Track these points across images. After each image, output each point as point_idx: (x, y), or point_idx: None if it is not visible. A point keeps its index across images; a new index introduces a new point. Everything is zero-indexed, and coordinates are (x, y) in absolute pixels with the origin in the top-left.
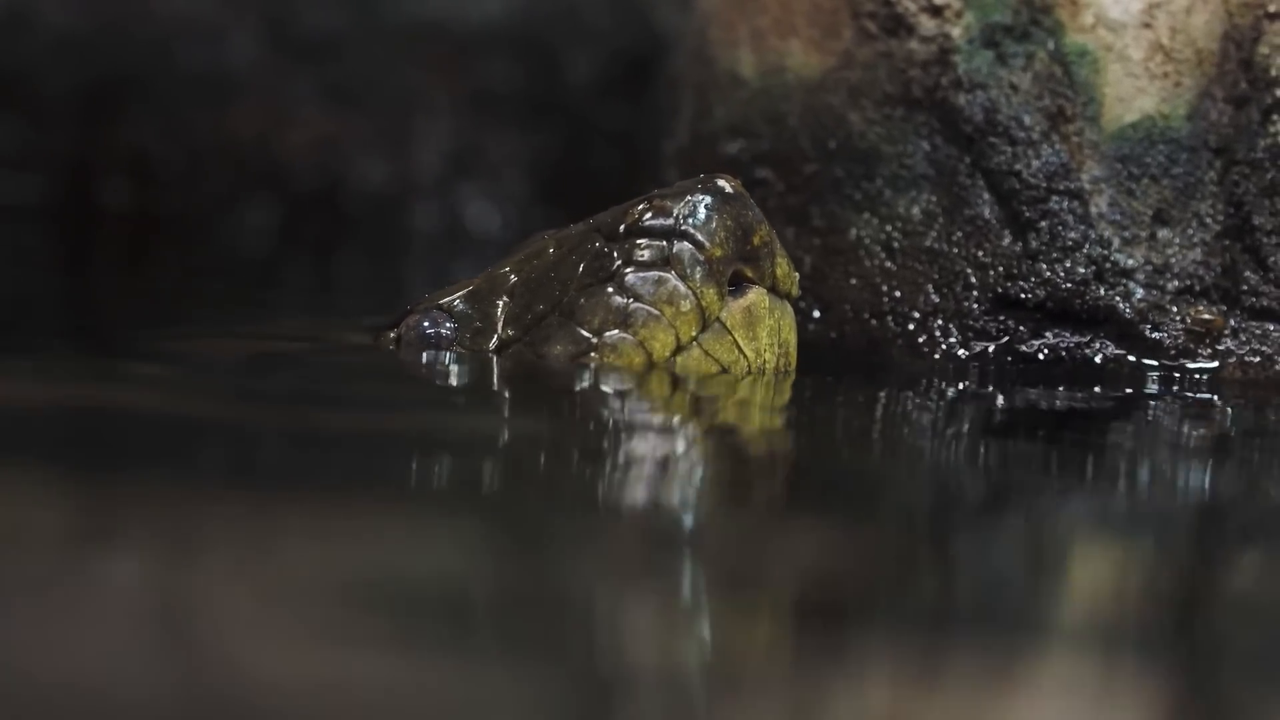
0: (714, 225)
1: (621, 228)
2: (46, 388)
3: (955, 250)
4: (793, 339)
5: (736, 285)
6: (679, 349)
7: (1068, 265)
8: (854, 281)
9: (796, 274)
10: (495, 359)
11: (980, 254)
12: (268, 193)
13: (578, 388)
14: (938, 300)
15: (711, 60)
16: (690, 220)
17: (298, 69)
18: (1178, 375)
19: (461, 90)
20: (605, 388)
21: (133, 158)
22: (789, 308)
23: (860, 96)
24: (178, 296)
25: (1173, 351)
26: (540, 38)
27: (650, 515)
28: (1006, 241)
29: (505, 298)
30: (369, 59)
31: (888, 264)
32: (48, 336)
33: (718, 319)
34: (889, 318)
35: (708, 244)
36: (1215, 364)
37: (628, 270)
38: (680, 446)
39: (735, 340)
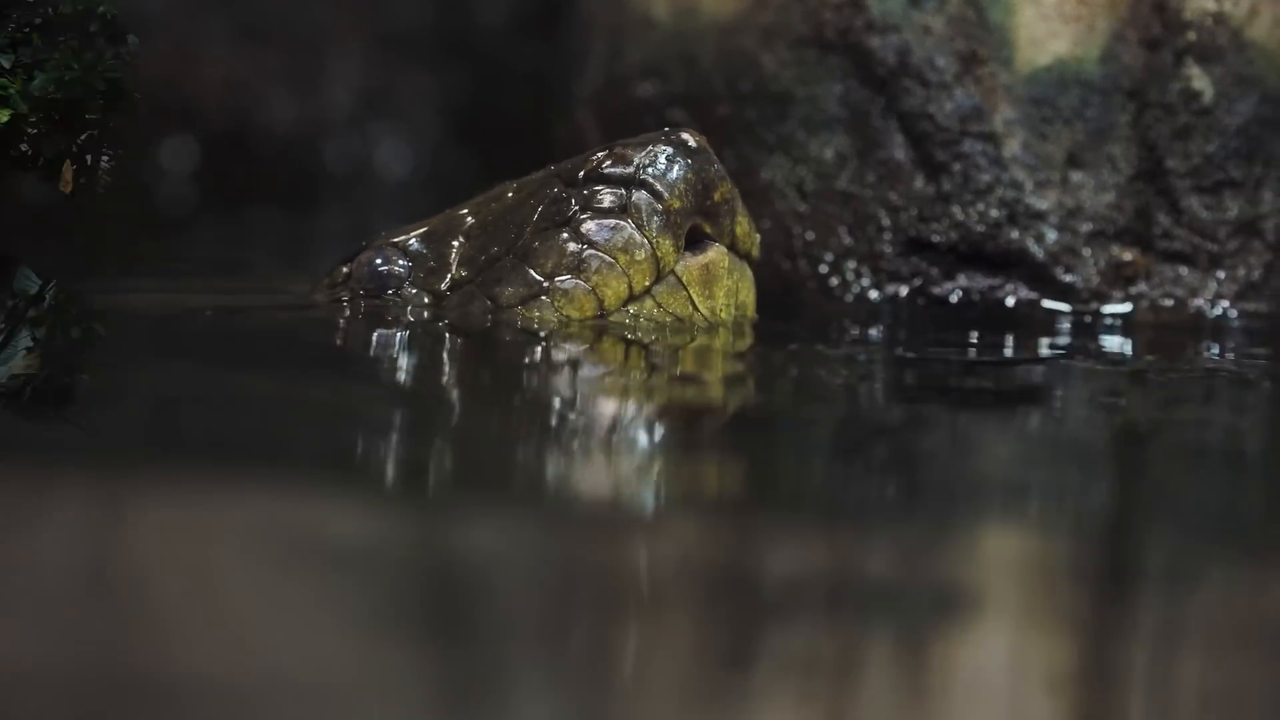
0: (674, 176)
1: (581, 174)
2: None
3: (868, 192)
4: (751, 300)
5: (698, 242)
6: (632, 298)
7: (980, 208)
8: (767, 223)
9: (758, 235)
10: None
11: (893, 196)
12: (179, 132)
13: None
14: (850, 242)
15: (624, 2)
16: (650, 170)
17: (208, 8)
18: (1090, 318)
19: (372, 30)
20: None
21: None
22: (749, 270)
23: (773, 38)
24: (93, 245)
25: (1085, 295)
26: None
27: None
28: (919, 184)
29: (461, 239)
30: None
31: (800, 206)
32: None
33: (672, 271)
34: (801, 260)
35: (666, 195)
36: (1128, 307)
37: (584, 216)
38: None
39: (690, 295)
